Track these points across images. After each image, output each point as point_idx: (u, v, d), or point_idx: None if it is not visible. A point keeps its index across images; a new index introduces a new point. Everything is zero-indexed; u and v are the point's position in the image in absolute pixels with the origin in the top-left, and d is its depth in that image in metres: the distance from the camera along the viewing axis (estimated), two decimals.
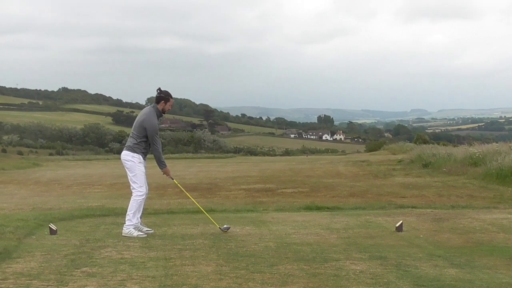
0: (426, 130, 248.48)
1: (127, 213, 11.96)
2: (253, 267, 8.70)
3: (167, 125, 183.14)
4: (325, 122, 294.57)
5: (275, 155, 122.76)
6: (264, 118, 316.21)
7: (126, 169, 12.15)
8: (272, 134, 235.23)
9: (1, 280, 7.84)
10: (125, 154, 12.12)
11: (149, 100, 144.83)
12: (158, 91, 12.17)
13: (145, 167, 12.16)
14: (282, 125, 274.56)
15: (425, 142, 70.80)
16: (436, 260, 9.61)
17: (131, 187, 12.08)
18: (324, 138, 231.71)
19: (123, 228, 11.99)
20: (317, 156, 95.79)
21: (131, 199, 12.02)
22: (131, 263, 8.99)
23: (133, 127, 12.20)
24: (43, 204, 21.44)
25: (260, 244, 10.89)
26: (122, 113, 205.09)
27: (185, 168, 46.64)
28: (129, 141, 12.15)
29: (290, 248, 10.44)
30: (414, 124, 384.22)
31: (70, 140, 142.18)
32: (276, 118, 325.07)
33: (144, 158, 12.12)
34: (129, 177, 12.12)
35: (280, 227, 13.34)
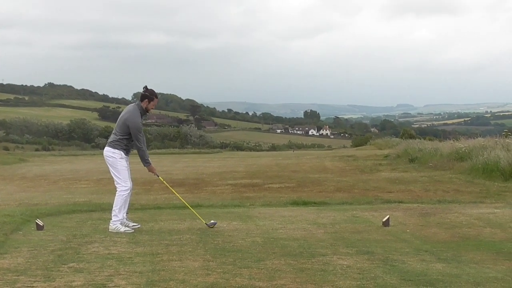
0: (412, 125, 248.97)
1: (113, 208, 11.95)
2: (240, 262, 8.71)
3: (153, 121, 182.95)
4: (312, 117, 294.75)
5: (262, 150, 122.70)
6: (250, 114, 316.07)
7: (109, 165, 12.16)
8: (259, 129, 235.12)
9: None
10: (107, 151, 12.13)
11: (135, 96, 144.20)
12: (144, 89, 12.14)
13: (128, 162, 12.14)
14: (268, 120, 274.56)
15: (411, 137, 70.96)
16: (423, 254, 9.65)
17: (115, 183, 12.08)
18: (310, 133, 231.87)
19: (110, 223, 11.98)
20: (304, 151, 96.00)
21: (116, 194, 12.02)
22: (118, 258, 8.98)
23: (116, 124, 12.19)
24: (30, 199, 21.39)
25: (247, 239, 10.90)
26: (108, 108, 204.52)
27: (172, 164, 46.61)
28: (111, 137, 12.16)
29: (277, 243, 10.45)
30: (400, 119, 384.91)
31: (57, 136, 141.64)
32: (262, 113, 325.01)
33: (126, 154, 12.11)
34: (112, 173, 12.14)
35: (267, 222, 13.35)
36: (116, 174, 12.03)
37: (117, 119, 12.22)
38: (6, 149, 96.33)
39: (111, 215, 12.02)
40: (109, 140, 12.19)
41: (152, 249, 9.77)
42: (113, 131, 12.19)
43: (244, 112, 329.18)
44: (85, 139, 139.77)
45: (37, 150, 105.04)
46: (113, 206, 11.98)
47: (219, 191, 24.53)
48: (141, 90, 12.15)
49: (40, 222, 12.15)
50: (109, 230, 11.85)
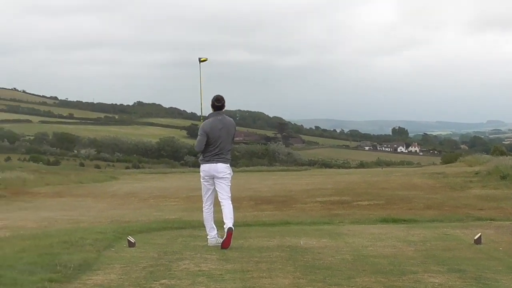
0: (503, 142, 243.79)
1: (232, 216, 11.98)
2: (330, 279, 8.69)
3: (241, 138, 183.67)
4: (400, 134, 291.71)
5: (350, 167, 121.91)
6: (338, 131, 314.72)
7: (225, 183, 12.14)
8: (347, 146, 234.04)
9: None
10: (225, 167, 12.15)
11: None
12: (222, 100, 12.22)
13: None
14: (356, 137, 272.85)
15: (502, 154, 69.60)
16: None
17: (228, 198, 12.10)
18: (399, 150, 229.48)
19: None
20: (392, 168, 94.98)
21: (231, 205, 12.04)
22: (208, 275, 9.06)
23: (222, 138, 12.14)
24: (121, 217, 21.76)
25: (336, 256, 10.85)
26: (197, 126, 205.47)
27: (260, 181, 46.74)
28: (225, 154, 12.15)
29: (367, 261, 10.38)
30: (490, 136, 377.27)
31: (146, 154, 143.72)
32: (350, 130, 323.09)
33: None
34: (228, 188, 12.19)
35: (356, 239, 13.26)
36: (230, 189, 12.13)
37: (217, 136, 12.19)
38: (98, 167, 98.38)
39: (230, 225, 11.96)
40: (223, 157, 12.16)
41: (242, 266, 9.81)
42: (225, 147, 12.18)
43: (332, 129, 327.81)
44: (174, 157, 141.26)
45: (127, 168, 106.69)
46: (233, 215, 12.03)
47: (308, 209, 24.53)
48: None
49: (131, 239, 12.32)
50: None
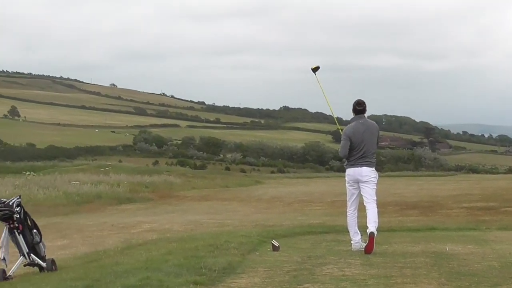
0: None
1: (376, 220, 11.96)
2: (476, 286, 8.53)
3: (387, 143, 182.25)
4: None
5: (498, 173, 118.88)
6: (486, 136, 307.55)
7: (371, 187, 12.13)
8: (495, 151, 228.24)
9: None
10: (370, 171, 12.12)
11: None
12: (358, 103, 12.18)
13: None
14: (505, 142, 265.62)
15: None
16: None
17: (374, 201, 12.08)
18: None
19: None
20: None
21: (374, 208, 12.01)
22: (352, 280, 9.03)
23: (365, 141, 12.08)
24: (265, 221, 21.98)
25: (483, 263, 10.62)
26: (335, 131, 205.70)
27: (405, 186, 46.27)
28: (370, 158, 12.12)
29: None
30: None
31: (291, 158, 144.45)
32: (498, 135, 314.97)
33: None
34: (373, 192, 12.14)
35: (504, 246, 12.93)
36: (375, 193, 12.10)
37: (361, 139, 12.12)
38: (243, 171, 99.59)
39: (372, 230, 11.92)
40: (368, 160, 12.11)
41: (386, 272, 9.73)
42: (369, 150, 12.12)
43: (480, 134, 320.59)
44: (319, 161, 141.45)
45: (272, 172, 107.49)
46: (376, 219, 12.00)
47: (454, 214, 24.11)
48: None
49: (275, 243, 12.42)
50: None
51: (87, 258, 14.93)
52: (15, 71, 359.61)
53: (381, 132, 12.82)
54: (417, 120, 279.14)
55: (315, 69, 13.59)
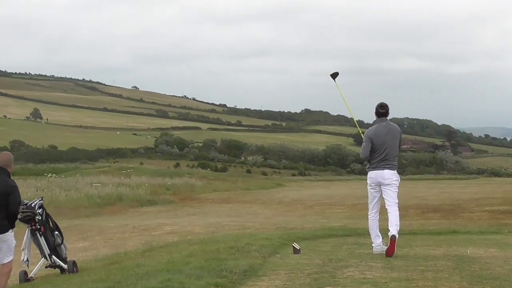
0: None
1: (397, 223, 11.92)
2: None
3: (408, 146, 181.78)
4: None
5: None
6: (508, 139, 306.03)
7: (392, 190, 12.09)
8: None
9: None
10: (392, 174, 12.07)
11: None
12: (381, 106, 12.16)
13: None
14: None
15: None
16: None
17: (395, 204, 12.02)
18: None
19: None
20: None
21: (396, 211, 11.97)
22: (373, 283, 9.01)
23: (387, 144, 12.05)
24: (287, 223, 21.98)
25: (505, 267, 10.55)
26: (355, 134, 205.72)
27: (427, 189, 46.14)
28: (392, 161, 12.05)
29: None
30: None
31: (312, 161, 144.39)
32: None
33: None
34: (395, 195, 12.10)
35: None
36: (397, 196, 12.06)
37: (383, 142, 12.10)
38: (264, 174, 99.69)
39: (393, 233, 11.89)
40: (390, 163, 12.06)
41: (407, 275, 9.69)
42: (391, 153, 12.07)
43: (502, 137, 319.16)
44: (341, 164, 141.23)
45: (293, 175, 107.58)
46: (398, 222, 11.95)
47: (476, 218, 24.01)
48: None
49: (296, 246, 12.41)
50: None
51: (108, 260, 14.99)
52: (38, 74, 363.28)
53: (403, 135, 12.72)
54: (439, 123, 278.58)
55: (334, 75, 13.61)
